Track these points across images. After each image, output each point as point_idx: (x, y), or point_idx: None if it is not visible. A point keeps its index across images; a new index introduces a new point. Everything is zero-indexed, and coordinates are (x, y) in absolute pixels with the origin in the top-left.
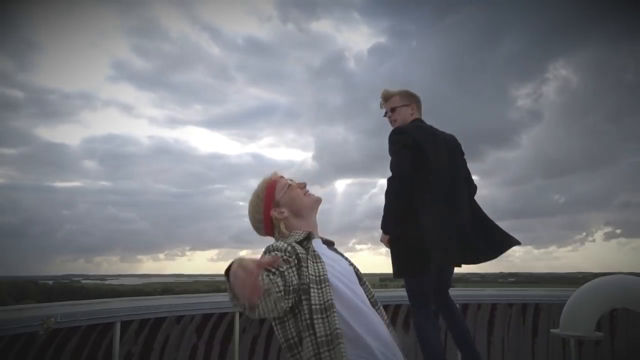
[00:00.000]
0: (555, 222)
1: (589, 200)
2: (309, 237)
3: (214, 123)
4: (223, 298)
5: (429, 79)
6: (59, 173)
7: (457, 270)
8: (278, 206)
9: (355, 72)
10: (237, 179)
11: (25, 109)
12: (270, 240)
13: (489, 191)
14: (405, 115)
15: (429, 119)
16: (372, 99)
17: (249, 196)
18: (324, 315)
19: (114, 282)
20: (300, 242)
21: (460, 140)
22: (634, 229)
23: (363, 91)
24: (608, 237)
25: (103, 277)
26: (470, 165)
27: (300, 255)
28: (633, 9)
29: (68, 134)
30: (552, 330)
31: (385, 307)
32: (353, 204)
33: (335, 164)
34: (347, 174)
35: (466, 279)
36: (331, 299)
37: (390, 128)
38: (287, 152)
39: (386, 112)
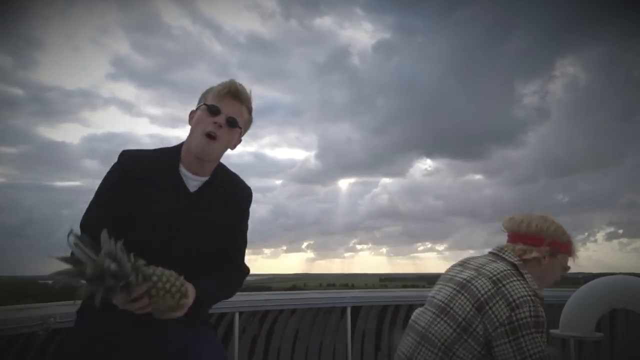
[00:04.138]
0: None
1: (593, 200)
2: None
3: None
4: None
5: (435, 76)
6: (59, 172)
7: None
8: (549, 258)
9: (360, 68)
10: None
11: (25, 106)
12: None
13: (494, 190)
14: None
15: (434, 116)
16: (378, 95)
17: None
18: None
19: None
20: None
21: (465, 139)
22: (637, 230)
23: (368, 88)
24: (610, 237)
25: None
26: (475, 164)
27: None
28: None
29: (68, 133)
30: (551, 330)
31: (385, 307)
32: (355, 204)
33: (338, 163)
34: (350, 173)
35: None
36: None
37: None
38: (290, 151)
39: (234, 122)
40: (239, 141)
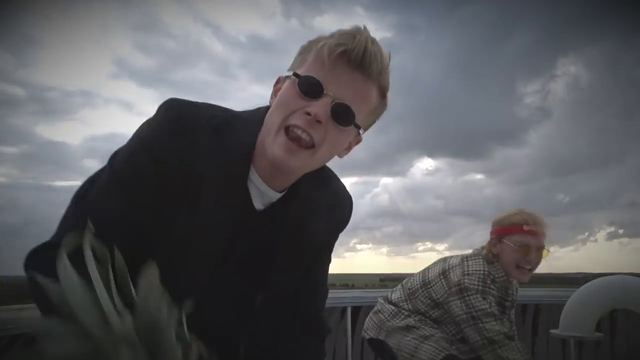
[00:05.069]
0: (558, 222)
1: (594, 200)
2: (505, 287)
3: None
4: None
5: (436, 75)
6: (59, 172)
7: None
8: (499, 244)
9: None
10: None
11: (25, 106)
12: None
13: (495, 190)
14: None
15: (435, 115)
16: None
17: None
18: None
19: None
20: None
21: (467, 138)
22: (637, 230)
23: None
24: (610, 237)
25: None
26: (476, 163)
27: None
28: None
29: (69, 133)
30: (552, 330)
31: None
32: (356, 204)
33: (339, 162)
34: (351, 173)
35: None
36: None
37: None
38: None
39: (346, 115)
40: (358, 142)
